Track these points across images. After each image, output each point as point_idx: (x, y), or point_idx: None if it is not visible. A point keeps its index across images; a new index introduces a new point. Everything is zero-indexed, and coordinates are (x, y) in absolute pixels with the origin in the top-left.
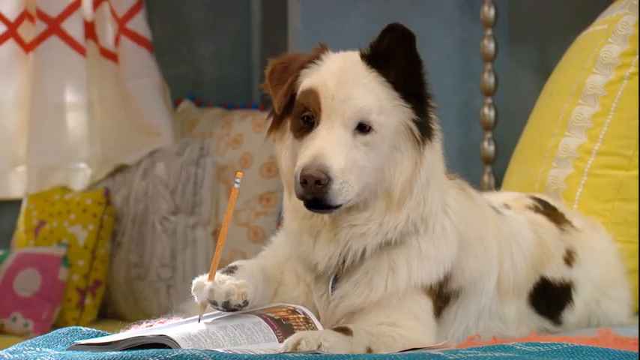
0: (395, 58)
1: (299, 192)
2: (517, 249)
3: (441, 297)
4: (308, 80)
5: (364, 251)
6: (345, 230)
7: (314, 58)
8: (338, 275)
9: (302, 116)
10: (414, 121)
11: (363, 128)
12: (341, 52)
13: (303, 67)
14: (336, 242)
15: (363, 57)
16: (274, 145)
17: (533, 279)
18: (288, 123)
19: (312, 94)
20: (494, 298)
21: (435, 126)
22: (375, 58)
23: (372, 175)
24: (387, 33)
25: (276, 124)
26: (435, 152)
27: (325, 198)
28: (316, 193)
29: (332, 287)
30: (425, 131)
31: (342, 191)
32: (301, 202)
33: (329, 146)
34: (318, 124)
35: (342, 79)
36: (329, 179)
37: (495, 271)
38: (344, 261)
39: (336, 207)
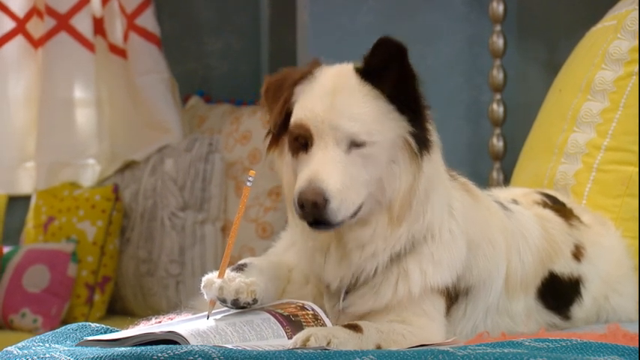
0: (388, 72)
1: (299, 215)
2: (524, 244)
3: (451, 296)
4: (300, 108)
5: (376, 269)
6: (356, 252)
7: (307, 74)
8: (349, 290)
9: (297, 138)
10: (411, 133)
11: (356, 144)
12: (337, 65)
13: (296, 83)
14: (347, 265)
15: (357, 70)
16: (275, 162)
17: (541, 274)
18: (286, 140)
19: (303, 124)
20: (503, 294)
21: (433, 137)
22: (369, 72)
23: (373, 186)
24: (378, 47)
25: (275, 141)
26: (433, 163)
27: (325, 217)
28: (316, 215)
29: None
30: (422, 144)
31: (342, 208)
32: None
33: (323, 167)
34: (312, 145)
35: (333, 101)
36: (326, 200)
37: (504, 268)
38: (356, 279)
39: (338, 224)
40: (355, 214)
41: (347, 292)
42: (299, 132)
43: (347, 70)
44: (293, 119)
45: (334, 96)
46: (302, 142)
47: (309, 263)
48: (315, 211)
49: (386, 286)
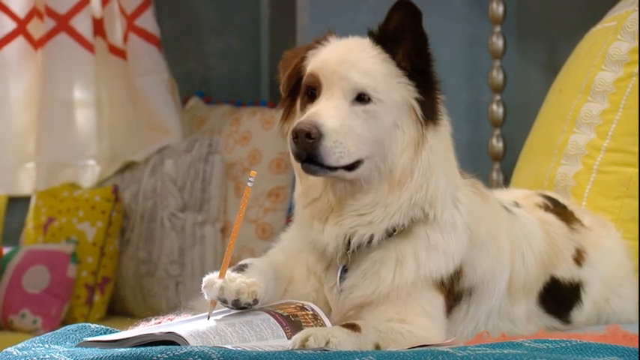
0: (402, 36)
1: (293, 150)
2: (528, 249)
3: (453, 294)
4: (313, 61)
5: (371, 237)
6: (352, 218)
7: (321, 41)
8: (347, 266)
9: (306, 92)
10: (418, 100)
11: (362, 99)
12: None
13: (310, 48)
14: (341, 225)
15: (370, 35)
16: (286, 136)
17: (543, 279)
18: (297, 112)
19: (314, 73)
20: (505, 297)
21: (441, 109)
22: (383, 37)
23: (373, 146)
24: (396, 10)
25: (286, 113)
26: (440, 138)
27: (317, 155)
28: (308, 149)
29: (341, 278)
30: (428, 112)
31: (335, 150)
32: (309, 184)
33: (324, 109)
34: (319, 95)
35: (344, 56)
36: (320, 135)
37: (507, 271)
38: (349, 242)
39: (331, 168)
40: (352, 168)
41: (346, 271)
42: (309, 81)
43: (361, 39)
44: (305, 76)
45: (347, 52)
46: (310, 94)
47: (308, 231)
48: (307, 144)
49: (386, 269)
